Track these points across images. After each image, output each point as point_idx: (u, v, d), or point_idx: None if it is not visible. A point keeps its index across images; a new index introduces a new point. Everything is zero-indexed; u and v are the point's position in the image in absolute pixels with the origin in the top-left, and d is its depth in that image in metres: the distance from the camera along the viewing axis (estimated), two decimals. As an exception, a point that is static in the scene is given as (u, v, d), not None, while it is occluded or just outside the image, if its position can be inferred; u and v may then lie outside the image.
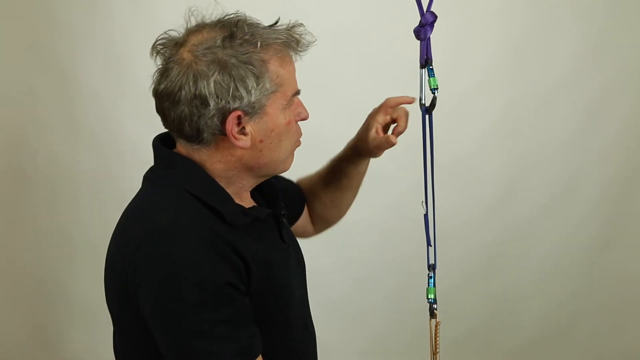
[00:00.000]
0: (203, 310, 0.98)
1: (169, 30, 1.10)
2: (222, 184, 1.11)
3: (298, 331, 1.20)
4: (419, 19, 1.14)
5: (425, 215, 1.24)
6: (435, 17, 1.13)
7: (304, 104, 1.17)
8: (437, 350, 1.24)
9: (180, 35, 1.08)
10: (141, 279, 1.02)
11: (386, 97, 1.32)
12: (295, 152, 1.20)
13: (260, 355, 1.04)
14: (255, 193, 1.23)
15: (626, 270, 2.66)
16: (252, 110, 1.05)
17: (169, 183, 1.10)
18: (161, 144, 1.14)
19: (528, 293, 2.68)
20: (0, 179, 2.37)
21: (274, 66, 1.06)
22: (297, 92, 1.12)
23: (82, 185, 2.39)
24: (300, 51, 1.12)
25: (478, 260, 2.64)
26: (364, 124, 1.35)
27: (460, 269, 2.58)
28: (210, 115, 1.03)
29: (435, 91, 1.15)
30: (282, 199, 1.31)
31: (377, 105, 1.36)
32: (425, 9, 1.14)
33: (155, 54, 1.09)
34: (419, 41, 1.16)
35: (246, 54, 1.03)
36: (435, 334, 1.23)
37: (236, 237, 1.05)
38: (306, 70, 2.35)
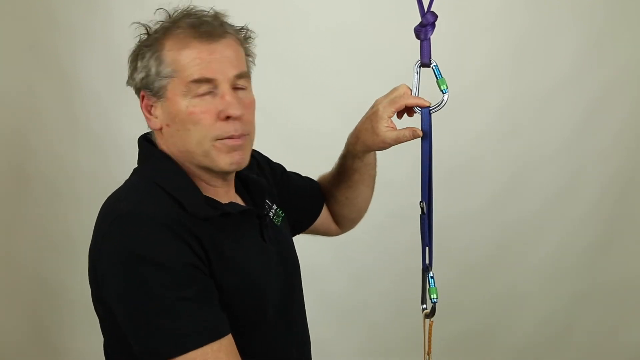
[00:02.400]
0: (166, 290, 0.99)
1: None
2: (193, 177, 1.13)
3: (276, 332, 1.18)
4: (419, 19, 1.14)
5: (422, 216, 1.23)
6: (436, 17, 1.13)
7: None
8: (430, 350, 1.24)
9: None
10: (104, 265, 1.04)
11: (399, 87, 1.22)
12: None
13: (231, 337, 1.03)
14: (244, 192, 1.23)
15: (626, 270, 2.66)
16: (153, 92, 1.10)
17: (140, 176, 1.14)
18: (145, 141, 1.18)
19: (528, 293, 2.68)
20: (1, 179, 2.37)
21: (170, 50, 1.08)
22: (201, 80, 1.07)
23: (82, 184, 2.39)
24: (203, 37, 1.08)
25: (477, 261, 2.64)
26: (369, 118, 1.25)
27: (459, 269, 2.58)
28: (137, 95, 1.14)
29: (446, 93, 1.15)
30: (298, 201, 1.34)
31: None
32: (425, 9, 1.14)
33: None
34: (419, 41, 1.16)
35: (152, 37, 1.11)
36: (430, 334, 1.23)
37: (199, 227, 1.06)
38: (306, 70, 2.39)
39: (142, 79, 1.10)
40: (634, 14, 2.50)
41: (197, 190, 1.11)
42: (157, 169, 1.12)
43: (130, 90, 1.16)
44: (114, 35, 2.30)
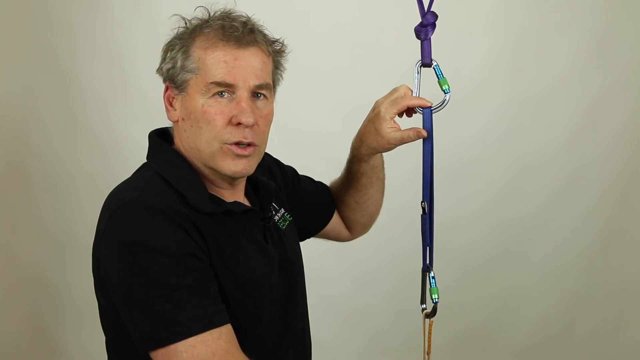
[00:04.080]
0: (166, 277, 1.00)
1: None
2: (202, 175, 1.14)
3: (273, 332, 1.18)
4: (419, 19, 1.14)
5: (424, 216, 1.23)
6: (436, 17, 1.13)
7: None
8: (430, 350, 1.24)
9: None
10: (106, 253, 1.05)
11: (400, 87, 1.22)
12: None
13: (231, 327, 1.03)
14: (253, 195, 1.24)
15: (626, 270, 2.66)
16: (176, 85, 1.12)
17: (147, 169, 1.15)
18: (155, 135, 1.19)
19: (528, 293, 2.68)
20: (1, 178, 2.37)
21: (198, 47, 1.10)
22: (220, 83, 1.08)
23: (83, 184, 2.39)
24: (232, 41, 1.10)
25: (477, 260, 2.64)
26: (371, 120, 1.24)
27: (459, 269, 2.58)
28: (163, 84, 1.15)
29: (447, 93, 1.15)
30: (310, 206, 1.36)
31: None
32: (426, 9, 1.14)
33: None
34: (419, 41, 1.16)
35: (185, 32, 1.12)
36: (430, 334, 1.23)
37: (202, 222, 1.07)
38: (307, 70, 2.38)
39: (169, 69, 1.12)
40: (635, 14, 2.50)
41: (202, 186, 1.12)
42: (164, 163, 1.13)
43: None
44: (114, 35, 2.30)
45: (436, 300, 1.21)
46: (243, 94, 1.09)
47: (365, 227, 1.49)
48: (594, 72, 2.53)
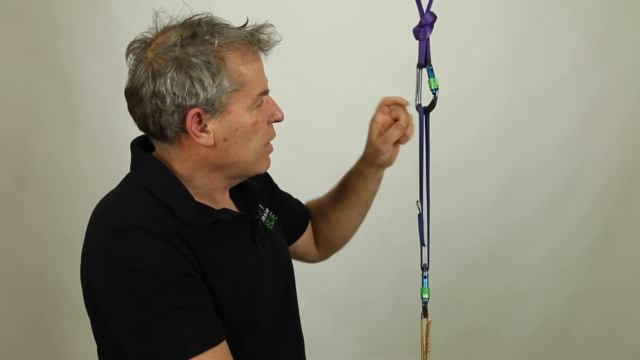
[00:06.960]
0: (160, 297, 1.00)
1: (144, 32, 1.12)
2: (191, 185, 1.12)
3: (270, 333, 1.19)
4: (419, 19, 1.14)
5: (420, 215, 1.23)
6: (434, 17, 1.13)
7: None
8: (428, 349, 1.24)
9: (152, 36, 1.11)
10: (97, 276, 1.04)
11: (382, 98, 1.32)
12: (271, 155, 1.19)
13: (226, 343, 1.04)
14: (237, 197, 1.24)
15: (626, 270, 2.66)
16: (212, 108, 1.05)
17: (132, 182, 1.13)
18: (139, 146, 1.16)
19: (528, 293, 2.68)
20: (0, 179, 2.38)
21: (233, 64, 1.06)
22: (265, 92, 1.11)
23: (81, 185, 2.39)
24: (264, 49, 1.10)
25: (477, 260, 2.64)
26: (368, 133, 1.33)
27: (459, 268, 2.58)
28: (169, 112, 1.05)
29: (436, 92, 1.15)
30: (284, 215, 1.34)
31: (375, 108, 1.35)
32: (424, 10, 1.14)
33: (128, 55, 1.11)
34: (418, 41, 1.16)
35: (204, 52, 1.04)
36: (427, 334, 1.23)
37: (190, 234, 1.06)
38: (307, 70, 2.38)
39: (201, 96, 1.04)
40: (635, 14, 2.50)
41: (190, 197, 1.10)
42: (150, 175, 1.11)
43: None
44: (114, 35, 2.30)
45: (426, 300, 1.22)
46: (269, 94, 1.13)
47: (334, 250, 1.51)
48: (594, 72, 2.52)
